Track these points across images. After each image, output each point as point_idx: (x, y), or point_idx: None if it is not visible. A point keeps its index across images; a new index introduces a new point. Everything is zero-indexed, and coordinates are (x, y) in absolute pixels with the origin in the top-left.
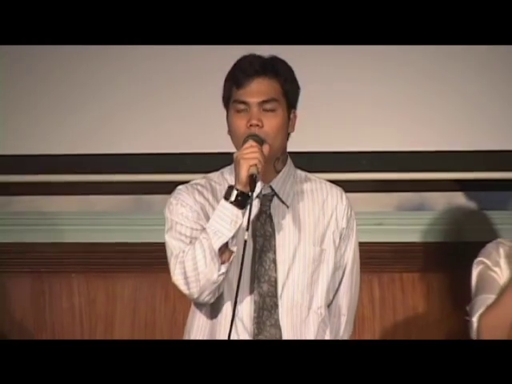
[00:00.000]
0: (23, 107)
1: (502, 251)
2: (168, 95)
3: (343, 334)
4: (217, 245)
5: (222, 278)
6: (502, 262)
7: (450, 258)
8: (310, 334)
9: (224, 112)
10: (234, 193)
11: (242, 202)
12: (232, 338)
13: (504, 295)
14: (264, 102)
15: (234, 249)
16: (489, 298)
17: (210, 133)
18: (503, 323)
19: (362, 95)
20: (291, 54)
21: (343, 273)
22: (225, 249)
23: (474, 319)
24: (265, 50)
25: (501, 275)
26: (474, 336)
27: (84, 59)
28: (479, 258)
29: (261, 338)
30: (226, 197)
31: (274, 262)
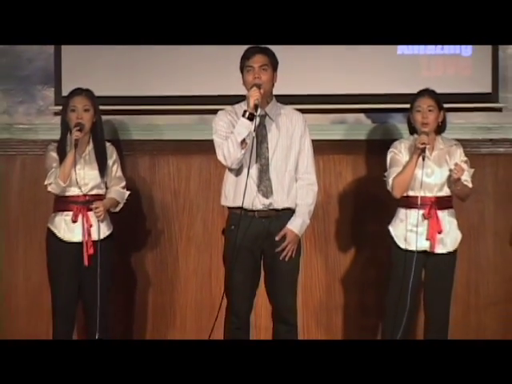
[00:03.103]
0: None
1: (403, 145)
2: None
3: (302, 182)
4: (239, 139)
5: (242, 156)
6: (403, 151)
7: (357, 148)
8: (285, 183)
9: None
10: (247, 113)
11: (251, 117)
12: (245, 187)
13: (405, 168)
14: (261, 65)
15: (248, 141)
16: (398, 169)
17: (235, 84)
18: (404, 182)
19: (311, 60)
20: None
21: (303, 152)
22: (243, 141)
23: (390, 180)
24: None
25: (403, 158)
26: (389, 188)
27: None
28: (390, 149)
29: (261, 186)
30: (243, 115)
31: (267, 147)
